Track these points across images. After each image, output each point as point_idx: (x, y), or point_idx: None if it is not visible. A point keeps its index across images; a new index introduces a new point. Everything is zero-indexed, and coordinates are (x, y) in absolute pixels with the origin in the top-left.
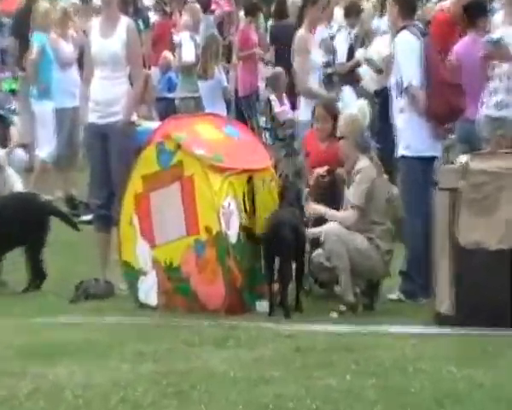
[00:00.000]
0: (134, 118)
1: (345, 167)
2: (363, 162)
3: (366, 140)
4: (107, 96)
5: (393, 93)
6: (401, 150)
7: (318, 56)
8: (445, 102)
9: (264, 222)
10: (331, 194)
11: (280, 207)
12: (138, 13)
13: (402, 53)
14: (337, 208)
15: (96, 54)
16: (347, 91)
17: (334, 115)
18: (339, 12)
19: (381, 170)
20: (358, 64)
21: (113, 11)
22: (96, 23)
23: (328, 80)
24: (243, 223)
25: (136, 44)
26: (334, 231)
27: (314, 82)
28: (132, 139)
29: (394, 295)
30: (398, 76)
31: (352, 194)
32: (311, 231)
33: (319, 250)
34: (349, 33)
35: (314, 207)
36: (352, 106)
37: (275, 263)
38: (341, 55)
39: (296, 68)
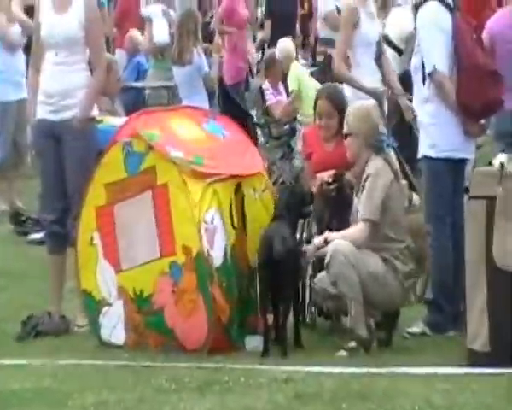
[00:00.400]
0: (94, 113)
1: (353, 171)
2: (376, 164)
3: (380, 137)
4: (61, 86)
5: (416, 78)
6: (425, 150)
7: (372, 31)
8: (480, 92)
9: (259, 241)
10: (338, 204)
11: (274, 220)
12: None
13: (425, 29)
14: (345, 221)
15: (47, 34)
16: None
17: (340, 109)
18: None
19: (399, 174)
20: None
21: None
22: None
23: (328, 65)
24: (230, 241)
25: (97, 22)
26: (342, 250)
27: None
28: (92, 139)
29: (417, 328)
30: (420, 57)
31: (362, 204)
32: (314, 251)
33: (323, 273)
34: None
35: (310, 248)
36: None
37: (270, 290)
38: None
39: (336, 48)
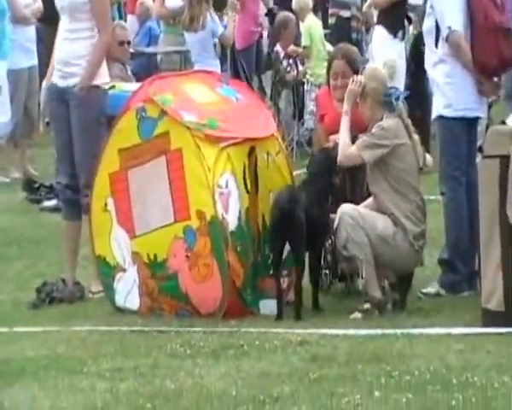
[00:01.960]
0: (101, 80)
1: (368, 129)
2: (390, 121)
3: (388, 91)
4: (64, 53)
5: (428, 41)
6: (440, 109)
7: None
8: (496, 49)
9: (274, 198)
10: (352, 169)
11: (304, 184)
12: None
13: None
14: (359, 185)
15: (57, 1)
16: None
17: (356, 69)
18: None
19: (411, 128)
20: None
21: None
22: None
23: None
24: (244, 205)
25: None
26: (350, 213)
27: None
28: (97, 107)
29: (432, 289)
30: (433, 20)
31: (361, 140)
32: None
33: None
34: None
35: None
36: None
37: (284, 251)
38: None
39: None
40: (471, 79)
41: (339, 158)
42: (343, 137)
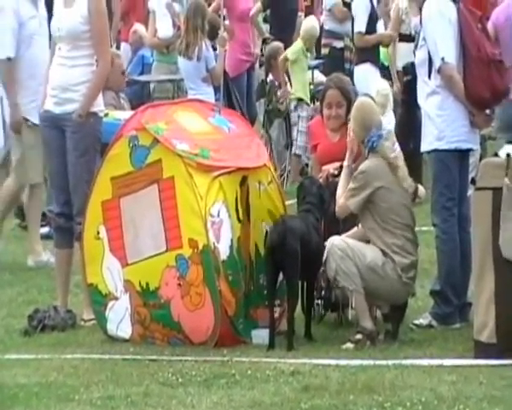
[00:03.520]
0: (98, 108)
1: (356, 164)
2: (370, 162)
3: (369, 138)
4: (61, 79)
5: (421, 72)
6: (432, 143)
7: None
8: (489, 81)
9: (270, 229)
10: None
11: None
12: None
13: (432, 21)
14: (353, 217)
15: (54, 28)
16: (365, 71)
17: (349, 99)
18: None
19: (397, 166)
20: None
21: None
22: None
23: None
24: (236, 234)
25: (100, 15)
26: (338, 244)
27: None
28: (93, 134)
29: (424, 321)
30: (426, 51)
31: (348, 193)
32: None
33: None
34: None
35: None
36: (372, 88)
37: (278, 281)
38: (360, 24)
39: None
40: (463, 110)
41: (336, 211)
42: (339, 189)
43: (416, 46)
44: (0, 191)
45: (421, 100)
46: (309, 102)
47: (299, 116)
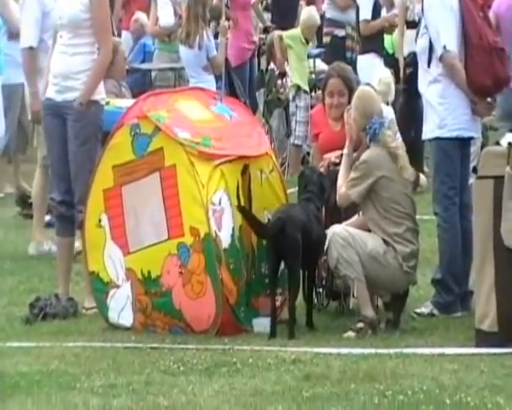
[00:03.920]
0: (99, 96)
1: (357, 153)
2: (371, 152)
3: (371, 125)
4: (63, 67)
5: (422, 60)
6: (434, 131)
7: None
8: (491, 69)
9: (271, 217)
10: None
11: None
12: None
13: (433, 9)
14: (354, 205)
15: (56, 16)
16: (369, 60)
17: (351, 87)
18: None
19: (398, 156)
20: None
21: None
22: None
23: (335, 46)
24: (237, 222)
25: (102, 4)
26: (340, 233)
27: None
28: (94, 122)
29: (425, 309)
30: (427, 39)
31: (349, 183)
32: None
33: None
34: None
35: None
36: (375, 78)
37: (279, 269)
38: (365, 12)
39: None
40: (465, 98)
41: (337, 199)
42: (341, 177)
43: (417, 34)
44: (33, 190)
45: (422, 88)
46: (308, 90)
47: (297, 106)
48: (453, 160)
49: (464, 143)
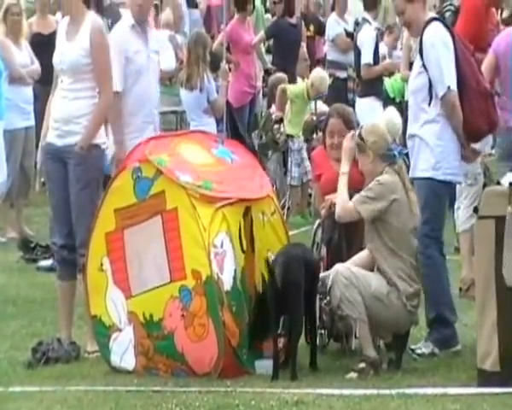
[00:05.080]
0: (100, 140)
1: (366, 184)
2: (388, 176)
3: (391, 147)
4: (64, 112)
5: (417, 99)
6: (428, 170)
7: None
8: (486, 113)
9: (273, 259)
10: (347, 226)
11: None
12: (107, 9)
13: (436, 48)
14: (355, 243)
15: (57, 61)
16: (369, 104)
17: (351, 127)
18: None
19: (409, 185)
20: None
21: (76, 7)
22: (64, 22)
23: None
24: (240, 265)
25: (103, 49)
26: (343, 272)
27: None
28: (95, 166)
29: (426, 350)
30: (425, 78)
31: (359, 198)
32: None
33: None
34: (376, 29)
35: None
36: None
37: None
38: (367, 56)
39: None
40: (457, 143)
41: (337, 212)
42: (341, 193)
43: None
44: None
45: (414, 127)
46: (300, 135)
47: (290, 149)
48: (442, 201)
49: (452, 186)
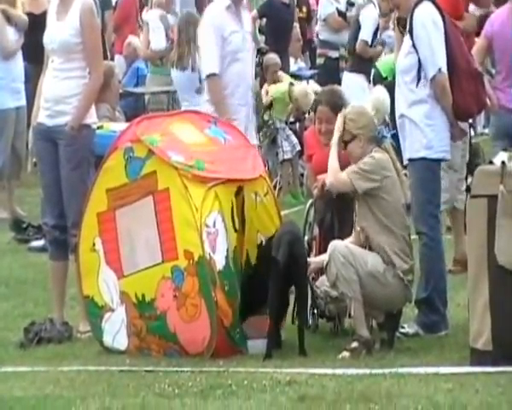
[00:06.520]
0: (91, 120)
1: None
2: (380, 154)
3: (379, 130)
4: (54, 92)
5: (405, 79)
6: (419, 151)
7: None
8: (476, 93)
9: (276, 238)
10: (339, 206)
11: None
12: None
13: (427, 29)
14: (347, 223)
15: (47, 41)
16: (358, 82)
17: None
18: None
19: (398, 164)
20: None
21: None
22: (54, 2)
23: (329, 68)
24: (232, 244)
25: (93, 29)
26: (340, 250)
27: None
28: (86, 146)
29: (410, 329)
30: (414, 59)
31: (353, 170)
32: (314, 260)
33: (324, 277)
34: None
35: (315, 261)
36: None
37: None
38: (367, 34)
39: None
40: (446, 122)
41: (328, 181)
42: (332, 162)
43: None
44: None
45: (401, 108)
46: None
47: (277, 129)
48: (437, 179)
49: (440, 164)
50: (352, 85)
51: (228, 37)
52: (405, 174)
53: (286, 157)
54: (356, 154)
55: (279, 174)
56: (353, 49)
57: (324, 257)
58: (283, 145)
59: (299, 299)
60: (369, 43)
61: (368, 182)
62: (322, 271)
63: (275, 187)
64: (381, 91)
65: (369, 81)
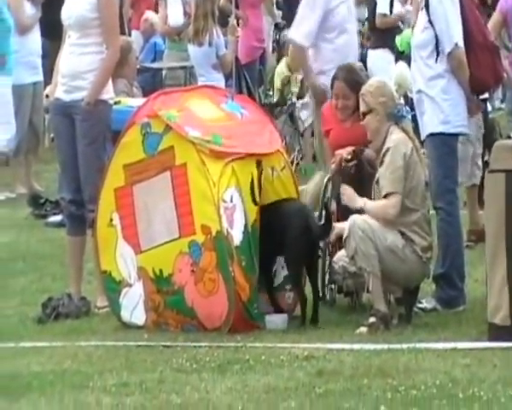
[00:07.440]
0: (108, 95)
1: (373, 145)
2: (396, 136)
3: (398, 106)
4: (71, 67)
5: (421, 54)
6: (438, 126)
7: None
8: (493, 67)
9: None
10: (357, 180)
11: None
12: None
13: (443, 3)
14: (364, 197)
15: (64, 16)
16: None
17: (357, 89)
18: None
19: (417, 142)
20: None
21: None
22: None
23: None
24: (251, 217)
25: (109, 3)
26: (360, 224)
27: None
28: (102, 121)
29: (428, 305)
30: (431, 34)
31: (385, 179)
32: (337, 226)
33: (342, 252)
34: None
35: (338, 227)
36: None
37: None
38: (383, 6)
39: None
40: (463, 96)
41: (390, 219)
42: (369, 206)
43: (413, 28)
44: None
45: (419, 83)
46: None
47: (294, 104)
48: (455, 154)
49: (458, 139)
50: (377, 61)
51: (334, 8)
52: (424, 153)
53: (307, 124)
54: (372, 127)
55: (296, 149)
56: (373, 24)
57: (346, 225)
58: (301, 115)
59: (309, 269)
60: (387, 13)
61: (403, 181)
62: (340, 244)
63: (292, 162)
64: (403, 67)
65: (394, 54)
